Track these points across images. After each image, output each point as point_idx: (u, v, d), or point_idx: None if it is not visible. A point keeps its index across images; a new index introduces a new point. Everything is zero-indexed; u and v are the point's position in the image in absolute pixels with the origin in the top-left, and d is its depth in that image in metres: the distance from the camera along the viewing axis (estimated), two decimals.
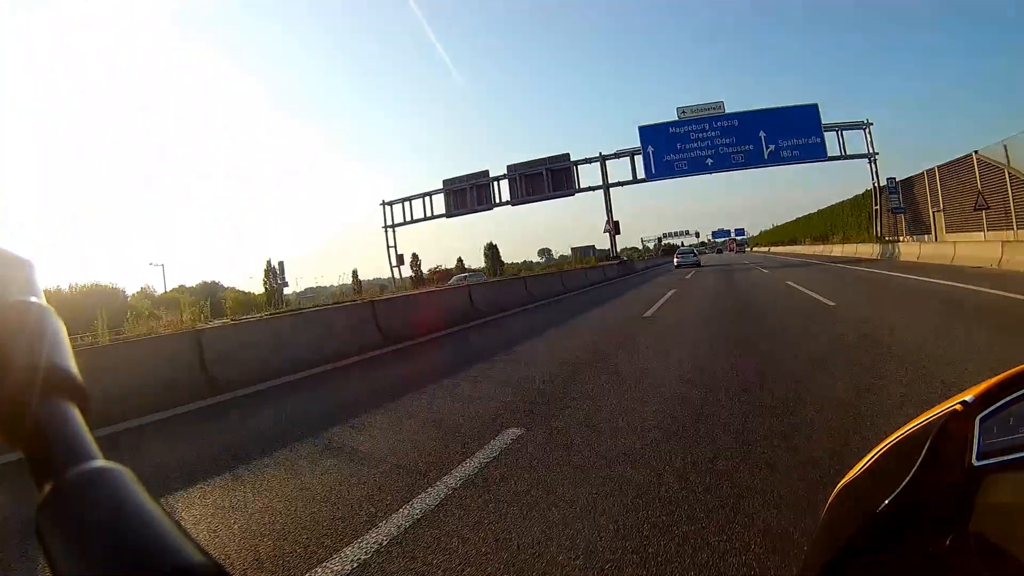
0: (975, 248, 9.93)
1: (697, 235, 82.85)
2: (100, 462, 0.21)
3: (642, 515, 1.32)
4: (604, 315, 6.83)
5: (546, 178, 26.47)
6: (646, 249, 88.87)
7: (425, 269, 40.63)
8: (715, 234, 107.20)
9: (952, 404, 0.48)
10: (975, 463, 0.46)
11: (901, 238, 18.37)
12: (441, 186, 27.54)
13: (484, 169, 27.48)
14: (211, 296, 21.18)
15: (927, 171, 17.20)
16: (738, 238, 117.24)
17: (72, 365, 0.24)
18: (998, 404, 0.46)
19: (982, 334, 3.32)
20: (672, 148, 22.70)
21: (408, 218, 28.87)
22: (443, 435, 2.18)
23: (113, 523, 0.18)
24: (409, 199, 29.06)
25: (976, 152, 13.64)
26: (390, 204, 30.08)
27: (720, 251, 54.10)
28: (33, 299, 0.25)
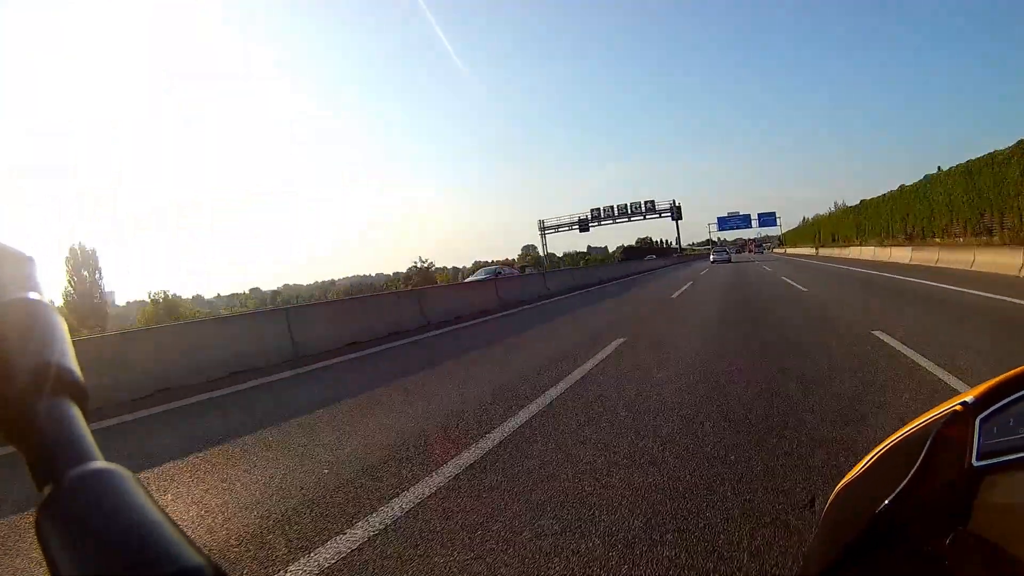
0: None
1: (676, 212, 54.98)
2: (100, 463, 0.25)
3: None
4: None
5: None
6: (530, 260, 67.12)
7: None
8: (723, 222, 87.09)
9: (952, 404, 0.60)
10: (975, 463, 0.56)
11: None
12: None
13: None
14: None
15: None
16: (763, 232, 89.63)
17: (73, 363, 0.29)
18: (998, 404, 0.57)
19: None
20: None
21: None
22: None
23: (113, 524, 0.22)
24: None
25: None
26: None
27: (726, 254, 46.29)
28: (34, 296, 0.30)
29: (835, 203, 73.78)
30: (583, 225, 65.06)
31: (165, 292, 50.04)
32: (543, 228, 67.45)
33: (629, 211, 63.40)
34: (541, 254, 73.38)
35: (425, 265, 69.61)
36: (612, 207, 63.95)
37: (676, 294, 13.67)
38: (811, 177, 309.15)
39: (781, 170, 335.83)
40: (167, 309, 51.79)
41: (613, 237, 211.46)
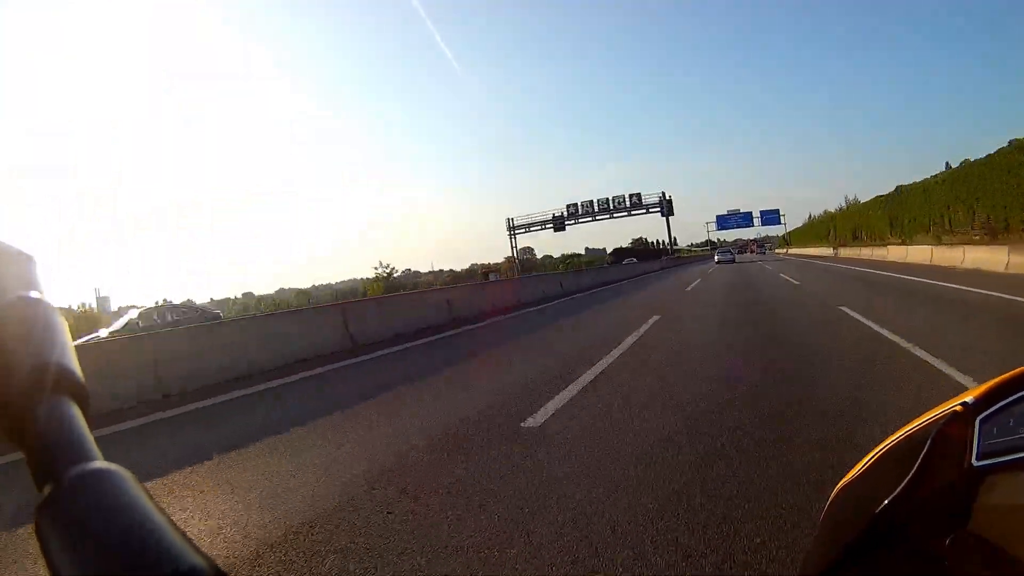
0: None
1: (666, 207, 46.73)
2: (100, 463, 0.26)
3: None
4: None
5: None
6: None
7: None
8: (722, 221, 79.78)
9: (952, 405, 0.62)
10: (975, 464, 0.58)
11: None
12: None
13: None
14: None
15: None
16: (763, 232, 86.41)
17: (74, 363, 0.30)
18: (998, 405, 0.59)
19: None
20: None
21: None
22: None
23: (113, 524, 0.23)
24: None
25: None
26: None
27: (731, 254, 47.01)
28: (35, 295, 0.31)
29: (845, 198, 66.62)
30: (558, 223, 57.42)
31: (86, 306, 46.68)
32: (512, 228, 59.39)
33: (611, 206, 55.69)
34: (535, 256, 65.08)
35: (387, 271, 61.64)
36: (591, 202, 56.36)
37: (582, 380, 5.04)
38: (811, 177, 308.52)
39: (781, 170, 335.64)
40: (87, 322, 46.13)
41: (611, 237, 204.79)
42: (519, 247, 64.75)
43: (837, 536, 0.68)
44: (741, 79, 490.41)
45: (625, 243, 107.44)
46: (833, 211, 57.58)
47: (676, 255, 68.69)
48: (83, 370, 0.29)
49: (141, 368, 6.18)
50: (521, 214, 61.07)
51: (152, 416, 5.26)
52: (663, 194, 53.21)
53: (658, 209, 53.40)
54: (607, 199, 54.62)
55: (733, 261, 42.09)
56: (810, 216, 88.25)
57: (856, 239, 42.10)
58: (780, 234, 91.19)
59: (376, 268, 59.97)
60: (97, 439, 0.26)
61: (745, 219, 77.48)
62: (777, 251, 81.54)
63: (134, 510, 0.24)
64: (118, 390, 5.74)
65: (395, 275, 64.55)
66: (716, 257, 45.92)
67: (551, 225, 57.10)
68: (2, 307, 0.29)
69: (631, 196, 54.06)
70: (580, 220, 56.44)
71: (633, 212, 54.33)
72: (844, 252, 36.65)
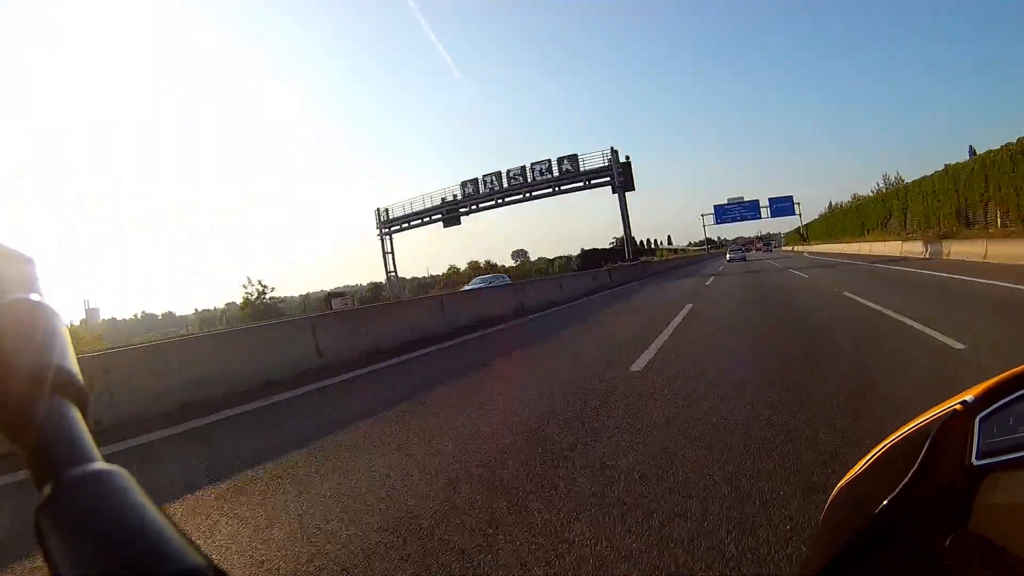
0: None
1: (621, 177, 25.14)
2: (100, 464, 0.27)
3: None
4: None
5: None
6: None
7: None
8: (721, 213, 62.99)
9: (952, 404, 0.63)
10: (975, 463, 0.59)
11: None
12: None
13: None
14: None
15: None
16: (763, 228, 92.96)
17: (73, 364, 0.31)
18: (998, 404, 0.60)
19: None
20: None
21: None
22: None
23: (113, 525, 0.24)
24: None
25: None
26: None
27: (742, 252, 48.22)
28: (35, 297, 0.32)
29: (884, 176, 49.54)
30: (449, 214, 37.85)
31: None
32: (385, 223, 39.73)
33: (530, 179, 35.73)
34: (528, 258, 46.10)
35: (260, 291, 42.41)
36: (498, 175, 36.67)
37: None
38: (812, 177, 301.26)
39: (781, 169, 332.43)
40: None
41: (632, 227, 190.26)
42: (512, 251, 46.00)
43: (837, 536, 0.69)
44: (741, 79, 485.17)
45: (641, 235, 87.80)
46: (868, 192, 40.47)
47: (645, 259, 48.86)
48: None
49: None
50: (399, 201, 41.76)
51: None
52: (614, 155, 33.58)
53: (607, 179, 33.43)
54: (522, 168, 35.71)
55: (744, 259, 43.27)
56: (830, 204, 70.31)
57: (970, 224, 22.54)
58: (790, 228, 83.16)
59: (245, 286, 42.21)
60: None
61: (750, 209, 64.83)
62: (784, 248, 74.79)
63: (134, 510, 0.24)
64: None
65: (267, 296, 46.37)
66: (728, 256, 46.67)
67: (438, 216, 37.68)
68: (2, 309, 0.29)
69: (564, 161, 35.69)
70: (482, 206, 39.23)
71: (562, 187, 35.23)
72: (958, 248, 19.85)
